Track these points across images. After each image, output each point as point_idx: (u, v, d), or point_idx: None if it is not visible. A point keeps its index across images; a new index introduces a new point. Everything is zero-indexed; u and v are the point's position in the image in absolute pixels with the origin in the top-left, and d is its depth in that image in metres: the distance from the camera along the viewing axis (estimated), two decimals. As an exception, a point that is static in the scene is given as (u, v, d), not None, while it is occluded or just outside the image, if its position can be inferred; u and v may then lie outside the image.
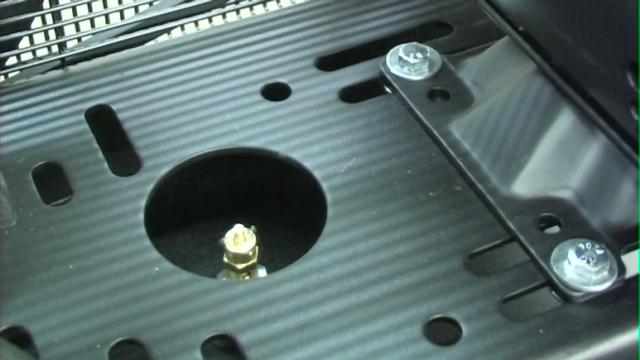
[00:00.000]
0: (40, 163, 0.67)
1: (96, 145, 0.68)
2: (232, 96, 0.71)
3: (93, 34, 0.80)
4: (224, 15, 0.85)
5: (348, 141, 0.68)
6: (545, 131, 0.64)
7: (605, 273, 0.59)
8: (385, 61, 0.72)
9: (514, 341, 0.57)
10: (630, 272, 0.60)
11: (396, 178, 0.66)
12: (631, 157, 0.60)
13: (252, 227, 0.64)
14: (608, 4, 0.56)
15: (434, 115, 0.69)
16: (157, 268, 0.61)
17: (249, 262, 0.64)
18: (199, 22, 0.84)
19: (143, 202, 0.64)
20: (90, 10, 0.82)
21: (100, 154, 0.68)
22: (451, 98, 0.70)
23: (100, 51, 0.77)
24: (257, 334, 0.57)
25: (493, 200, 0.63)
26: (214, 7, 0.83)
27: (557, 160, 0.64)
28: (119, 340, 0.57)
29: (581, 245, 0.60)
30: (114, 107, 0.71)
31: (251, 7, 0.86)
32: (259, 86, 0.72)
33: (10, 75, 0.77)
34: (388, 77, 0.72)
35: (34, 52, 0.79)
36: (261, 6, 0.86)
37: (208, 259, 0.68)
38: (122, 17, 0.86)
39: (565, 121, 0.64)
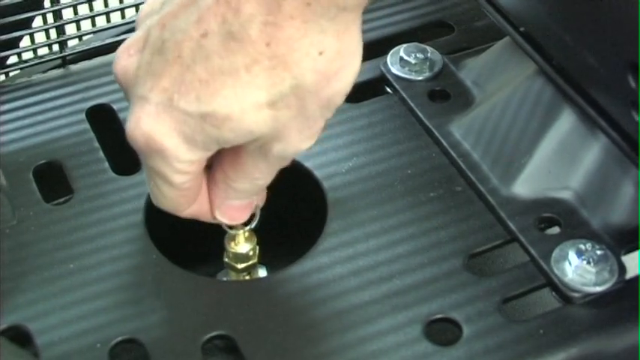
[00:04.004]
0: (41, 162, 0.67)
1: (97, 145, 0.68)
2: (233, 96, 0.71)
3: (94, 32, 0.80)
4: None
5: (348, 141, 0.68)
6: (545, 132, 0.64)
7: (606, 274, 0.59)
8: (386, 61, 0.72)
9: (514, 342, 0.57)
10: (631, 273, 0.60)
11: (397, 179, 0.66)
12: (632, 159, 0.60)
13: (253, 226, 0.64)
14: (609, 4, 0.56)
15: (434, 116, 0.69)
16: (157, 268, 0.61)
17: (250, 262, 0.64)
18: (200, 22, 0.84)
19: (144, 202, 0.64)
20: (91, 9, 0.82)
21: (101, 153, 0.68)
22: (452, 99, 0.70)
23: (101, 50, 0.77)
24: (257, 334, 0.57)
25: (493, 201, 0.64)
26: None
27: (557, 161, 0.64)
28: (119, 339, 0.57)
29: (582, 246, 0.60)
30: (115, 106, 0.71)
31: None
32: (260, 86, 0.72)
33: (11, 74, 0.77)
34: (389, 77, 0.72)
35: (34, 50, 0.79)
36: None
37: (208, 258, 0.67)
38: (123, 16, 0.86)
39: (566, 122, 0.64)
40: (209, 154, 0.52)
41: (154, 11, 0.52)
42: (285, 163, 0.55)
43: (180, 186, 0.54)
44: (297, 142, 0.53)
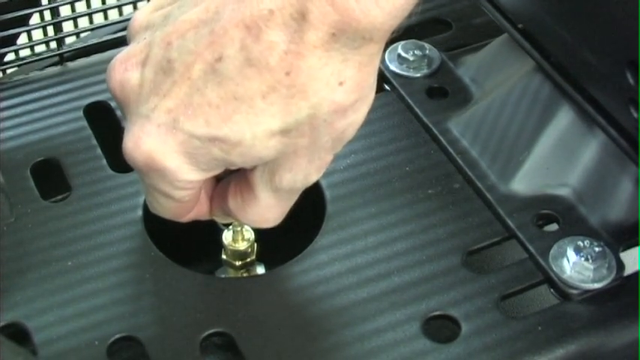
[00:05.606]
0: (39, 159, 0.67)
1: (94, 142, 0.68)
2: (231, 93, 0.71)
3: (91, 30, 0.80)
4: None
5: (346, 138, 0.68)
6: (543, 129, 0.64)
7: (604, 271, 0.59)
8: (384, 58, 0.72)
9: (512, 338, 0.57)
10: (629, 270, 0.60)
11: (395, 176, 0.66)
12: (630, 155, 0.60)
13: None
14: (608, 2, 0.56)
15: (433, 113, 0.69)
16: (155, 265, 0.61)
17: (248, 259, 0.64)
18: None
19: (142, 199, 0.64)
20: (88, 6, 0.82)
21: (99, 151, 0.68)
22: (450, 95, 0.70)
23: (98, 47, 0.77)
24: (255, 331, 0.57)
25: (492, 198, 0.64)
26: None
27: (555, 158, 0.64)
28: (117, 336, 0.57)
29: (580, 243, 0.60)
30: (112, 104, 0.70)
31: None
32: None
33: (8, 71, 0.77)
34: (387, 74, 0.72)
35: (32, 48, 0.79)
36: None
37: (206, 255, 0.67)
38: (120, 13, 0.86)
39: (564, 118, 0.64)
40: (212, 174, 0.52)
41: (153, 25, 0.51)
42: (293, 199, 0.54)
43: (180, 200, 0.53)
44: (307, 173, 0.52)
